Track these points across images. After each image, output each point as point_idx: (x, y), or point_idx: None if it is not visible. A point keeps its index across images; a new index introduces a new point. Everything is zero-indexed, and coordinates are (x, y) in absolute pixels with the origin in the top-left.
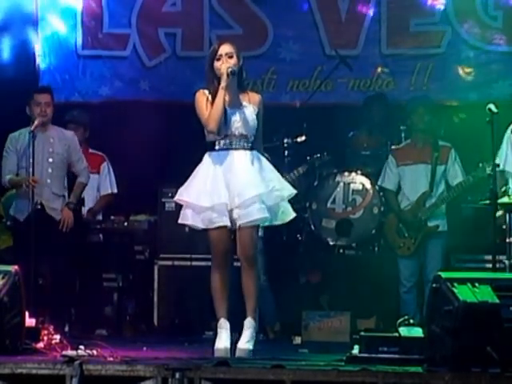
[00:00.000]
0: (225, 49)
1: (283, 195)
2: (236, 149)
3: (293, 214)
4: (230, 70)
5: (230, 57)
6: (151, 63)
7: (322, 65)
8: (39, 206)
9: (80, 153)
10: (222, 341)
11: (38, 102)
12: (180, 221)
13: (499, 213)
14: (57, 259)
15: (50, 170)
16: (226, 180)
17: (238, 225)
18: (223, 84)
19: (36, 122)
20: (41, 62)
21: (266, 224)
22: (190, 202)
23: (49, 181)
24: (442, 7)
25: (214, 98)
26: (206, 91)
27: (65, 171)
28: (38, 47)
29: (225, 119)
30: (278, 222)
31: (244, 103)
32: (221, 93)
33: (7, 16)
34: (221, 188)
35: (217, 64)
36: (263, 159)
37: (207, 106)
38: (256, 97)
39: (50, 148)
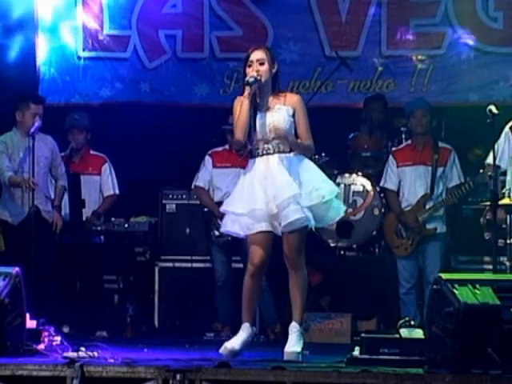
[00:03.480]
0: (256, 55)
1: (322, 194)
2: (271, 153)
3: (341, 212)
4: (246, 79)
5: (261, 63)
6: (152, 65)
7: (323, 66)
8: (35, 209)
9: (59, 157)
10: (234, 343)
11: (34, 112)
12: (221, 229)
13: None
14: (53, 260)
15: (41, 173)
16: (262, 186)
17: (280, 229)
18: (245, 94)
19: (36, 124)
20: (41, 63)
21: (315, 225)
22: (228, 211)
23: (40, 184)
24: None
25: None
26: (242, 97)
27: (49, 175)
28: (39, 49)
29: (254, 125)
30: (327, 223)
31: (277, 106)
32: (244, 102)
33: (8, 18)
34: (257, 194)
35: (248, 70)
36: (304, 160)
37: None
38: (294, 97)
39: (39, 152)
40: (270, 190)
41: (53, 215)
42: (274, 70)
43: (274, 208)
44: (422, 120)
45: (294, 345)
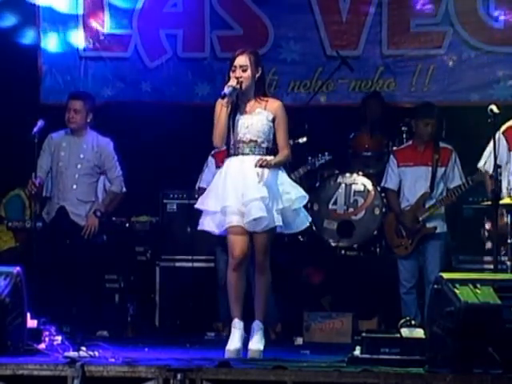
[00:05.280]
0: (239, 61)
1: (292, 198)
2: (246, 154)
3: (307, 222)
4: (223, 92)
5: (244, 70)
6: (153, 64)
7: (323, 66)
8: (63, 211)
9: (113, 161)
10: (234, 342)
11: (68, 107)
12: (199, 227)
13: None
14: (73, 263)
15: (76, 176)
16: (234, 184)
17: (246, 226)
18: (223, 102)
19: (39, 124)
20: (43, 63)
21: (283, 231)
22: (204, 209)
23: (74, 186)
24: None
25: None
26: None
27: (95, 178)
28: (40, 49)
29: (233, 126)
30: (293, 230)
31: (258, 110)
32: (222, 110)
33: (9, 18)
34: (229, 191)
35: (231, 74)
36: (275, 168)
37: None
38: (275, 103)
39: (81, 154)
40: (240, 189)
41: (86, 219)
42: (257, 75)
43: (242, 207)
44: (428, 128)
45: (257, 342)
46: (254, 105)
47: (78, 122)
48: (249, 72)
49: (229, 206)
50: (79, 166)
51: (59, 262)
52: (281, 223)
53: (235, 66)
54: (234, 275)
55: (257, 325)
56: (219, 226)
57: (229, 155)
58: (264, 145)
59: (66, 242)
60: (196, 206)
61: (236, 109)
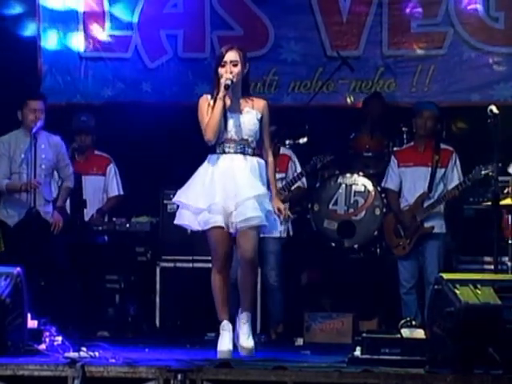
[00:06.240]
0: (230, 56)
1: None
2: (235, 153)
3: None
4: (225, 83)
5: (235, 65)
6: (153, 65)
7: (324, 66)
8: (34, 211)
9: (67, 158)
10: (225, 343)
11: (32, 108)
12: (176, 221)
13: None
14: (56, 261)
15: (42, 176)
16: (222, 183)
17: (234, 225)
18: (220, 95)
19: (38, 124)
20: (42, 63)
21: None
22: (187, 204)
23: (41, 187)
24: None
25: (215, 103)
26: (209, 96)
27: (53, 176)
28: (41, 49)
29: (224, 124)
30: (266, 234)
31: (246, 109)
32: (218, 103)
33: (9, 18)
34: (217, 190)
35: (221, 70)
36: (263, 167)
37: (208, 112)
38: (261, 102)
39: (43, 154)
40: (231, 188)
41: (53, 216)
42: (245, 71)
43: (231, 206)
44: (427, 122)
45: (248, 338)
46: (242, 103)
47: (42, 121)
48: (239, 67)
49: (215, 204)
50: (43, 167)
51: (41, 262)
52: (266, 223)
53: (225, 62)
54: (219, 277)
55: (247, 315)
56: (202, 224)
57: (214, 151)
58: (253, 144)
59: (43, 240)
60: (175, 199)
61: (224, 107)
